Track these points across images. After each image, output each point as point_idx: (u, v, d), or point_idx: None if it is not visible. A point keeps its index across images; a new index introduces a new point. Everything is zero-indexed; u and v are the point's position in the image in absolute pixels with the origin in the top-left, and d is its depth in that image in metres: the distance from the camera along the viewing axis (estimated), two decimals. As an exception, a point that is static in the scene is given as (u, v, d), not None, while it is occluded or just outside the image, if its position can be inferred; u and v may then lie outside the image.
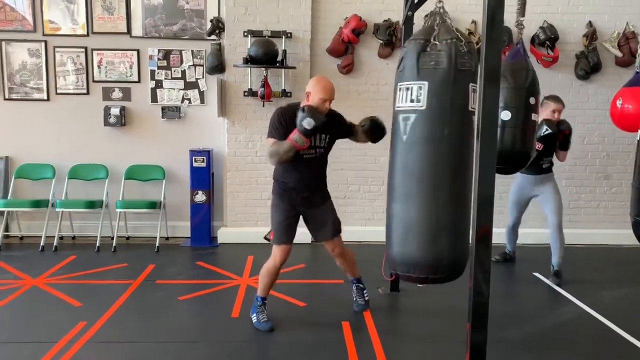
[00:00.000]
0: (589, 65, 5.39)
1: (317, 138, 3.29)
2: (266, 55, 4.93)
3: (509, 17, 5.19)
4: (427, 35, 2.59)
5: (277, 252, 3.41)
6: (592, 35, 5.39)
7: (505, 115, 3.49)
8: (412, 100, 2.62)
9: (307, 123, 3.02)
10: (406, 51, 2.64)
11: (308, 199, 3.44)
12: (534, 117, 3.55)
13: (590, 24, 5.43)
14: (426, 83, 2.55)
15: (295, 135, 3.09)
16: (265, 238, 3.56)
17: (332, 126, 3.33)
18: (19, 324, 3.54)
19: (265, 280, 3.48)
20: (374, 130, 3.42)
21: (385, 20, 5.34)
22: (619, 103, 3.86)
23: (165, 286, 4.27)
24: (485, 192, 2.43)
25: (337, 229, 3.53)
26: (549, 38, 5.32)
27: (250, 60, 4.99)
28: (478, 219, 2.44)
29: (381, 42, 5.35)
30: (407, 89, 2.62)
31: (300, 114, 3.06)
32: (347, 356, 3.11)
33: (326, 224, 3.50)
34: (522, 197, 4.56)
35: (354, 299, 3.83)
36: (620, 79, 5.50)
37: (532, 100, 3.52)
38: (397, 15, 5.35)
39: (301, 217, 3.52)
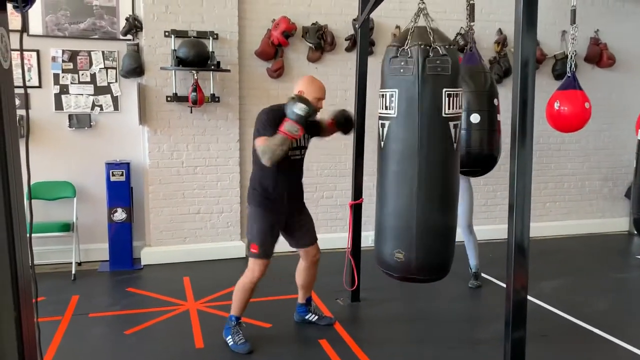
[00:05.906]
0: (501, 70, 5.72)
1: (301, 138, 3.15)
2: (198, 57, 4.52)
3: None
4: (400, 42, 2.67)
5: (256, 266, 3.17)
6: (503, 41, 5.73)
7: (474, 118, 3.54)
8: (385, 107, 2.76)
9: (299, 108, 2.89)
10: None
11: (293, 204, 3.28)
12: (498, 117, 3.65)
13: (500, 31, 5.77)
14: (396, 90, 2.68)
15: (287, 124, 2.90)
16: None
17: (313, 125, 3.27)
18: None
19: (240, 297, 3.23)
20: (342, 124, 3.40)
21: (313, 24, 5.20)
22: (556, 105, 4.09)
23: (102, 320, 3.73)
24: (523, 185, 2.34)
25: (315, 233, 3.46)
26: (467, 43, 5.54)
27: (180, 62, 4.55)
28: (516, 215, 2.33)
29: (311, 45, 5.20)
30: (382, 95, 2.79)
31: (290, 103, 2.93)
32: (342, 377, 2.94)
33: (311, 228, 3.40)
34: None
35: (318, 315, 3.66)
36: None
37: (495, 102, 3.61)
38: (324, 18, 5.25)
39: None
